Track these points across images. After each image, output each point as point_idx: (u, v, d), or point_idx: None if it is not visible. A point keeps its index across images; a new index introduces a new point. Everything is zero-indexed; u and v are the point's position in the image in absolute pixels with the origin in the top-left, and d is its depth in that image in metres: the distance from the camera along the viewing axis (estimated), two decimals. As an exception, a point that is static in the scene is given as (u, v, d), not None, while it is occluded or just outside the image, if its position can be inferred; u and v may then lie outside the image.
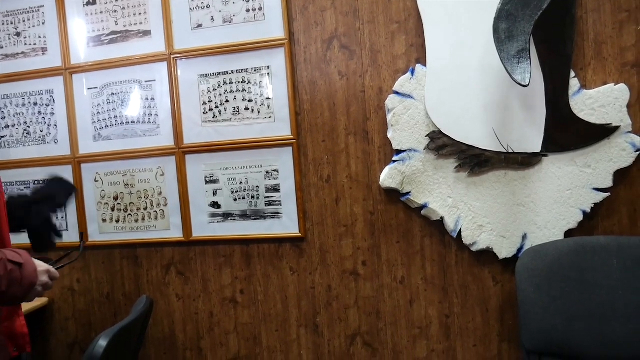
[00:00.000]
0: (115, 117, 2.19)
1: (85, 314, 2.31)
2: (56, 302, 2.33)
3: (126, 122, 2.18)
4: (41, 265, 1.42)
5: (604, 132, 1.76)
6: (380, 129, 1.97)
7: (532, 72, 1.66)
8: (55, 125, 2.25)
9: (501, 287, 1.93)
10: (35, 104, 2.26)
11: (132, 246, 2.22)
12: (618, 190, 1.81)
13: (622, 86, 1.76)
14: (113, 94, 2.19)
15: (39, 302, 2.26)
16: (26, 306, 2.02)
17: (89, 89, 2.21)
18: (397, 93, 1.91)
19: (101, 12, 2.18)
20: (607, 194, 1.79)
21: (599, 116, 1.77)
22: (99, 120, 2.21)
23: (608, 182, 1.78)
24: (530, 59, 1.63)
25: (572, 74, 1.78)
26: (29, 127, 2.28)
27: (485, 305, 1.95)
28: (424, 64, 1.88)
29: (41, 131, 2.27)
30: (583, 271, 1.69)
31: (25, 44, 2.26)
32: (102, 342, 1.48)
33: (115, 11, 2.16)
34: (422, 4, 1.86)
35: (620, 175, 1.79)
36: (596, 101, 1.77)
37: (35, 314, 2.27)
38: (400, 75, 1.92)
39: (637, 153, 1.75)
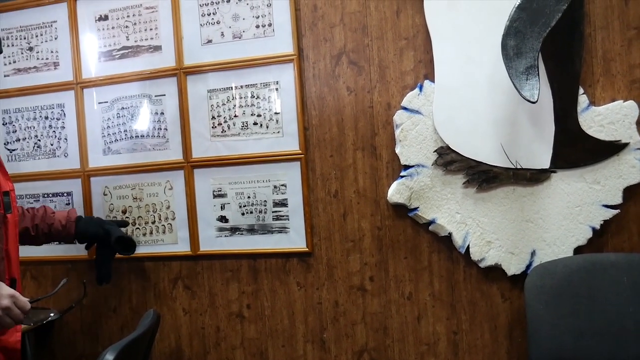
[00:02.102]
0: (125, 131, 2.21)
1: (92, 328, 2.30)
2: (63, 315, 2.33)
3: (135, 136, 2.20)
4: (5, 289, 1.42)
5: (613, 148, 1.76)
6: (388, 144, 1.97)
7: (541, 89, 1.66)
8: (66, 139, 2.27)
9: (510, 303, 1.91)
10: (46, 117, 2.29)
11: (140, 260, 2.22)
12: (627, 207, 1.80)
13: (631, 103, 1.76)
14: (123, 108, 2.21)
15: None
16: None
17: (99, 103, 2.23)
18: (405, 109, 1.91)
19: (113, 28, 2.21)
20: (617, 211, 1.78)
21: (608, 133, 1.76)
22: (108, 134, 2.22)
23: (617, 199, 1.77)
24: (538, 75, 1.64)
25: (581, 90, 1.78)
26: (39, 140, 2.30)
27: (494, 322, 1.93)
28: (432, 80, 1.89)
29: (51, 145, 2.29)
30: (592, 289, 1.68)
31: (38, 59, 2.29)
32: (109, 357, 1.47)
33: (127, 26, 2.19)
34: (430, 20, 1.88)
35: (629, 192, 1.78)
36: (605, 118, 1.77)
37: (41, 327, 2.26)
38: (408, 91, 1.93)
39: (647, 170, 1.75)
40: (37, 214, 1.91)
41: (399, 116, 1.92)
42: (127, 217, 2.22)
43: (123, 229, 2.06)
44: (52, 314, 2.11)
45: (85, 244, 2.04)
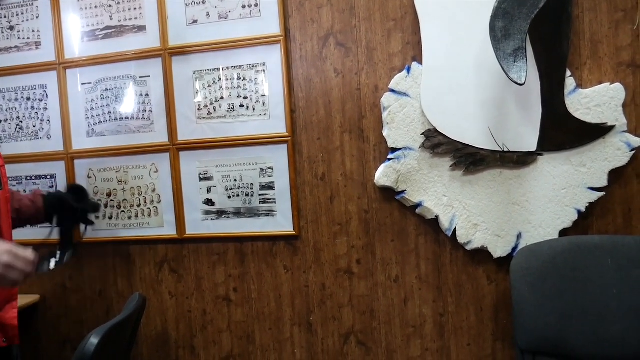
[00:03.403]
0: (109, 112, 2.17)
1: (77, 311, 2.29)
2: (47, 299, 2.31)
3: (120, 118, 2.17)
4: (1, 245, 1.31)
5: (599, 131, 1.76)
6: (376, 127, 1.96)
7: (528, 71, 1.66)
8: (49, 121, 2.23)
9: (495, 286, 1.93)
10: (29, 98, 2.25)
11: (125, 243, 2.20)
12: (613, 190, 1.81)
13: (618, 85, 1.76)
14: (107, 89, 2.17)
15: (30, 298, 2.24)
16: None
17: (82, 84, 2.19)
18: (392, 91, 1.90)
19: (96, 7, 2.16)
20: (602, 194, 1.79)
21: (595, 115, 1.77)
22: (92, 115, 2.19)
23: (603, 182, 1.78)
24: (526, 57, 1.63)
25: (568, 73, 1.78)
26: (21, 122, 2.26)
27: (480, 304, 1.94)
28: (420, 62, 1.88)
29: (34, 126, 2.25)
30: (577, 270, 1.69)
31: (19, 38, 2.24)
32: (94, 340, 1.46)
33: (110, 6, 2.15)
34: (418, 1, 1.86)
35: (615, 175, 1.79)
36: (592, 100, 1.77)
37: (25, 310, 2.24)
38: (396, 73, 1.91)
39: (632, 152, 1.76)
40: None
41: (386, 99, 1.91)
42: (112, 200, 2.19)
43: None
44: (57, 259, 1.87)
45: (54, 217, 1.87)
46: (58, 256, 1.82)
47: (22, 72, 2.24)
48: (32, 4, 2.21)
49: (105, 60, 2.15)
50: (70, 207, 1.87)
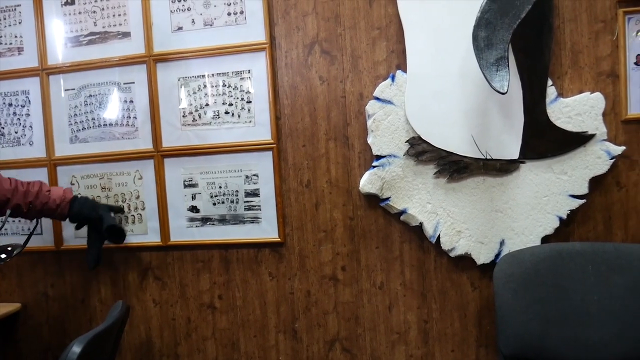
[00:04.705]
0: (93, 119, 2.16)
1: (59, 320, 2.26)
2: (29, 307, 2.28)
3: (104, 125, 2.15)
4: None
5: (580, 139, 1.79)
6: (361, 134, 1.97)
7: (511, 80, 1.68)
8: (31, 127, 2.21)
9: (479, 292, 1.94)
10: (10, 104, 2.22)
11: (109, 250, 2.18)
12: (593, 197, 1.84)
13: (598, 95, 1.79)
14: (91, 95, 2.15)
15: (10, 307, 2.21)
16: (-3, 311, 1.99)
17: (66, 90, 2.17)
18: (377, 99, 1.91)
19: (80, 13, 2.15)
20: (583, 201, 1.82)
21: (575, 124, 1.80)
22: (75, 122, 2.17)
23: (584, 189, 1.81)
24: (508, 66, 1.65)
25: (550, 82, 1.81)
26: (3, 128, 2.23)
27: (464, 311, 1.96)
28: (405, 70, 1.90)
29: (16, 132, 2.22)
30: (559, 277, 1.72)
31: (1, 44, 2.21)
32: (76, 349, 1.45)
33: (94, 12, 2.14)
34: (403, 10, 1.88)
35: (595, 182, 1.82)
36: (572, 109, 1.80)
37: (6, 319, 2.21)
38: (380, 81, 1.93)
39: (612, 160, 1.79)
40: (32, 190, 1.89)
41: (371, 106, 1.92)
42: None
43: (117, 216, 2.10)
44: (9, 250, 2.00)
45: (75, 224, 2.02)
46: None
47: (4, 77, 2.21)
48: (15, 9, 2.19)
49: (89, 66, 2.14)
50: (95, 226, 2.01)
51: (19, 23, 2.20)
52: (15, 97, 2.22)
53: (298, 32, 2.00)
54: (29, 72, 2.19)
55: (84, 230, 2.05)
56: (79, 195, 2.03)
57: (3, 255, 1.93)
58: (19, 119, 2.22)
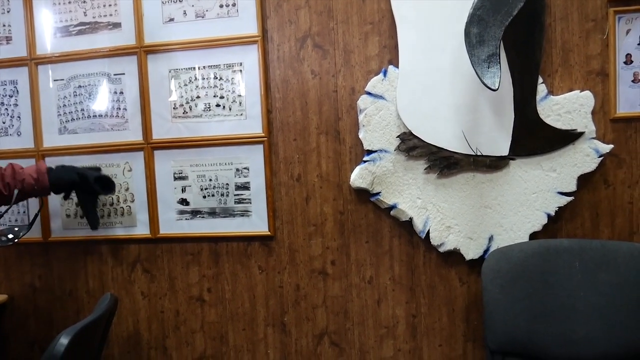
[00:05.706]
0: (82, 110, 2.14)
1: (46, 312, 2.24)
2: (15, 299, 2.26)
3: (93, 116, 2.13)
4: None
5: (569, 137, 1.81)
6: (352, 129, 1.97)
7: (502, 77, 1.69)
8: (19, 117, 2.19)
9: (467, 287, 1.96)
10: (-2, 94, 2.20)
11: (97, 242, 2.17)
12: (581, 194, 1.85)
13: (587, 93, 1.81)
14: (80, 86, 2.13)
15: (-3, 298, 2.20)
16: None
17: (54, 80, 2.15)
18: (369, 94, 1.92)
19: (69, 2, 2.12)
20: (571, 198, 1.84)
21: (565, 122, 1.81)
22: (64, 113, 2.15)
23: (572, 186, 1.83)
24: (500, 63, 1.66)
25: (540, 79, 1.82)
26: (-10, 118, 2.21)
27: (452, 306, 1.97)
28: (397, 66, 1.90)
29: (3, 123, 2.20)
30: (546, 273, 1.73)
31: (-11, 32, 2.19)
32: (64, 341, 1.44)
33: (85, 1, 2.11)
34: (395, 5, 1.88)
35: (583, 180, 1.84)
36: (562, 107, 1.81)
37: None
38: (372, 76, 1.93)
39: (600, 158, 1.80)
40: (6, 172, 1.85)
41: (362, 101, 1.92)
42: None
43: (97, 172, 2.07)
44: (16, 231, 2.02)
45: (62, 195, 2.00)
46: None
47: (-9, 67, 2.19)
48: (4, -3, 2.17)
49: (79, 56, 2.12)
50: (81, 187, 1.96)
51: (8, 12, 2.17)
52: (3, 87, 2.19)
53: (290, 25, 2.00)
54: (17, 61, 2.17)
55: (76, 225, 2.04)
56: (53, 167, 1.99)
57: (10, 236, 1.93)
58: (7, 109, 2.19)
